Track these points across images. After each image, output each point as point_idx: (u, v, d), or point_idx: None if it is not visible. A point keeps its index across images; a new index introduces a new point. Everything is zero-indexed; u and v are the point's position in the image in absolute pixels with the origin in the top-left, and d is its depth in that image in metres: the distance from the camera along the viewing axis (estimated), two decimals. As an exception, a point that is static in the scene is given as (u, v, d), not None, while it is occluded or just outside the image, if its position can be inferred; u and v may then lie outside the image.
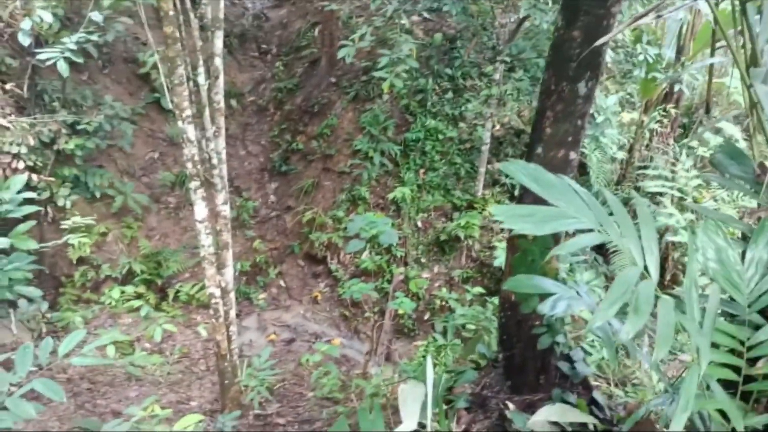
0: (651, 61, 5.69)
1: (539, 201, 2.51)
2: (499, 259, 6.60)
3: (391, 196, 8.09)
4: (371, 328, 7.89)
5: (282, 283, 8.64)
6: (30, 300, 5.89)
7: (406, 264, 7.99)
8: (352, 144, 8.60)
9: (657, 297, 1.35)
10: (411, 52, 6.81)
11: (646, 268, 1.37)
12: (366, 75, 9.13)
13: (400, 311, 6.80)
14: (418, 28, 9.47)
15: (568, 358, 2.97)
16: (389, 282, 7.84)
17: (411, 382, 1.62)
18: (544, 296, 2.61)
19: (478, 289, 5.67)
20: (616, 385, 3.87)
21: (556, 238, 2.62)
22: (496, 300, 5.14)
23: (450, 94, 8.60)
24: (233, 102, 9.89)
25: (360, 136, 8.59)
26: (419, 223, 8.10)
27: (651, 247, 1.39)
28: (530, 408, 2.94)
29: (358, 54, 7.11)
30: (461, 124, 8.40)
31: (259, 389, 4.95)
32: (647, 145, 8.35)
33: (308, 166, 9.17)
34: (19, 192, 4.82)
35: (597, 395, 3.10)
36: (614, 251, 6.98)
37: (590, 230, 1.39)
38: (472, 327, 4.51)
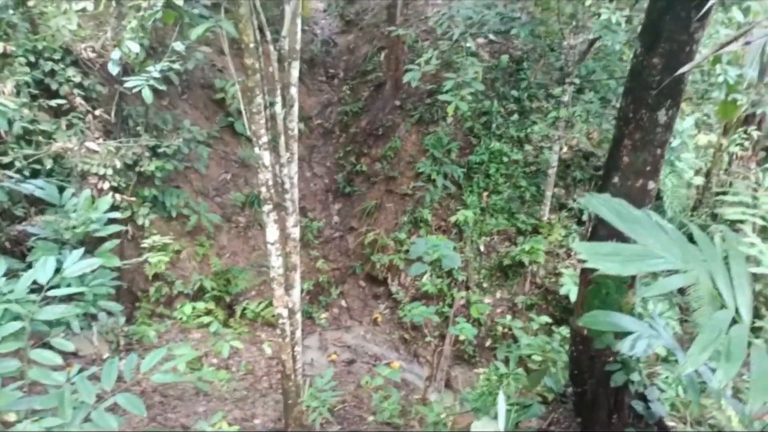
0: (731, 82, 5.42)
1: (615, 233, 2.43)
2: (566, 287, 6.39)
3: (453, 219, 8.05)
4: (431, 353, 7.83)
5: (343, 303, 8.74)
6: (109, 314, 6.24)
7: (467, 288, 7.90)
8: (415, 166, 8.65)
9: (750, 342, 1.28)
10: (477, 75, 6.81)
11: (737, 310, 1.30)
12: (430, 98, 9.20)
13: (461, 337, 6.70)
14: (484, 50, 9.48)
15: (643, 397, 2.83)
16: (450, 306, 7.77)
17: (484, 419, 1.60)
18: (618, 333, 2.51)
19: (545, 318, 5.51)
20: (692, 426, 3.64)
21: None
22: (563, 330, 4.99)
23: (515, 116, 8.52)
24: (301, 125, 10.20)
25: (423, 158, 8.64)
26: (482, 247, 8.01)
27: (743, 286, 1.31)
28: (603, 447, 2.82)
29: (422, 77, 7.19)
30: (527, 147, 8.28)
31: (320, 410, 5.00)
32: (726, 170, 7.90)
33: (371, 188, 9.30)
34: (105, 212, 5.15)
35: (675, 437, 2.93)
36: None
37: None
38: (538, 358, 4.37)
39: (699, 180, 6.96)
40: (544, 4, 7.60)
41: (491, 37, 9.11)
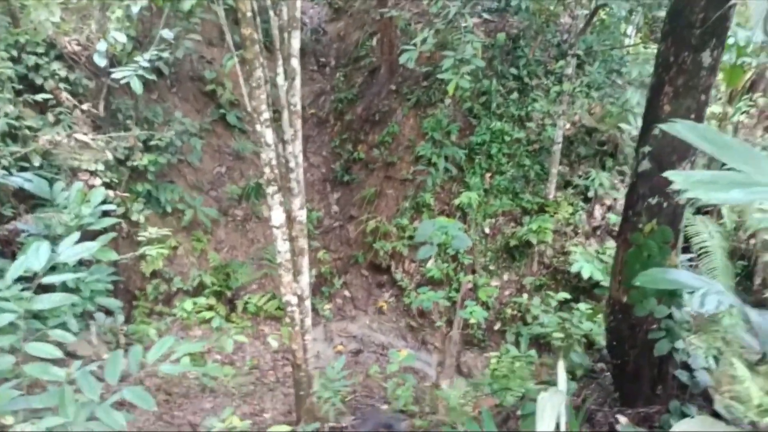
0: (742, 44, 5.25)
1: (656, 189, 2.24)
2: (577, 264, 6.24)
3: (456, 202, 7.87)
4: (439, 339, 7.67)
5: (347, 293, 8.55)
6: (107, 313, 6.02)
7: (474, 272, 7.73)
8: (415, 150, 8.45)
9: None
10: (476, 52, 6.61)
11: None
12: (426, 80, 8.99)
13: (471, 321, 6.54)
14: (479, 29, 9.25)
15: (687, 366, 2.66)
16: (457, 291, 7.60)
17: (551, 389, 1.42)
18: (661, 298, 2.33)
19: (564, 295, 5.34)
20: (732, 398, 3.49)
21: (676, 231, 2.34)
22: (582, 306, 4.82)
23: (515, 95, 8.33)
24: (294, 114, 9.97)
25: (422, 142, 8.43)
26: (487, 229, 7.83)
27: None
28: (646, 422, 2.65)
29: (418, 59, 6.99)
30: (529, 125, 8.09)
31: (333, 401, 4.82)
32: (732, 139, 7.77)
33: (370, 175, 9.09)
34: (98, 206, 4.92)
35: (719, 408, 2.77)
36: (704, 251, 6.48)
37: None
38: (558, 335, 4.21)
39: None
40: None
41: (486, 16, 8.93)
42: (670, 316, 2.44)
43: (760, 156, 1.12)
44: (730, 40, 5.29)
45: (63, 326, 4.87)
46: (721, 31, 2.05)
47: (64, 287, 4.83)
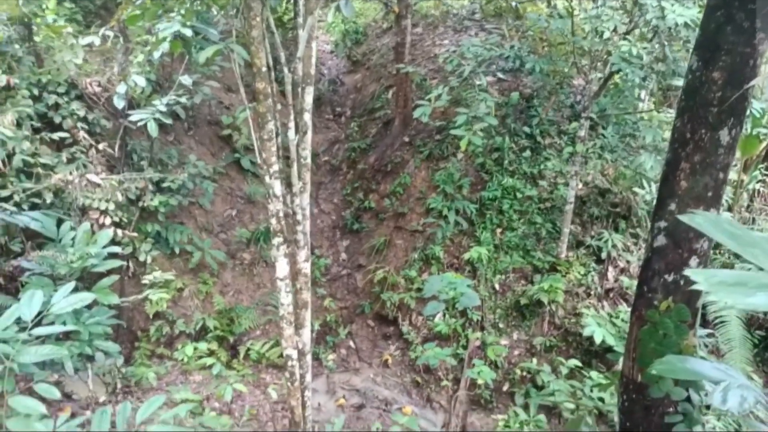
0: (758, 116, 5.24)
1: (672, 266, 2.16)
2: (589, 328, 6.06)
3: (466, 256, 7.76)
4: (445, 398, 7.41)
5: (352, 343, 8.37)
6: (107, 354, 5.91)
7: (482, 329, 7.54)
8: (426, 202, 8.43)
9: None
10: (490, 110, 6.67)
11: None
12: (440, 134, 9.06)
13: (478, 381, 6.32)
14: (493, 87, 9.39)
15: (705, 454, 2.50)
16: (464, 347, 7.40)
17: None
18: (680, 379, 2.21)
19: (574, 362, 5.15)
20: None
21: (693, 310, 2.24)
22: (594, 375, 4.64)
23: (528, 153, 8.34)
24: (308, 161, 10.05)
25: (434, 194, 8.42)
26: (497, 286, 7.69)
27: None
28: None
29: (432, 114, 7.07)
30: (541, 183, 8.06)
31: (331, 462, 4.63)
32: (748, 207, 7.67)
33: (380, 225, 9.06)
34: (104, 247, 4.91)
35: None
36: (720, 321, 6.27)
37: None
38: (570, 405, 4.02)
39: (728, 216, 6.71)
40: (557, 39, 7.53)
41: (500, 75, 9.07)
42: (688, 399, 2.31)
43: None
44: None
45: (60, 367, 4.77)
46: (739, 110, 2.02)
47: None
